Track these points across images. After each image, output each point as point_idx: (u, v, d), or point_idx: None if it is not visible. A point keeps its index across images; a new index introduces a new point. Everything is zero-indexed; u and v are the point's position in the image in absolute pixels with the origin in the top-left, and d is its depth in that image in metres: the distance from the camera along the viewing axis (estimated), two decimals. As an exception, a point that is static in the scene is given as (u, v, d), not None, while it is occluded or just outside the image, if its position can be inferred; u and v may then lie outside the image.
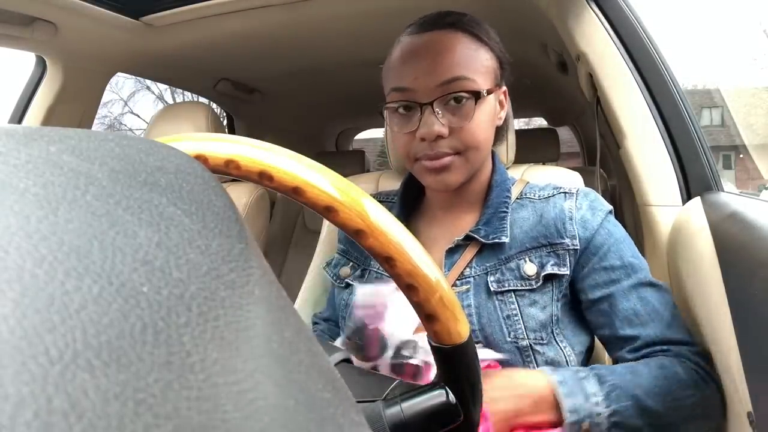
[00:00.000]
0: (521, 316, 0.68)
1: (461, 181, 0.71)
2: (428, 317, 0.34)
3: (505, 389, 0.60)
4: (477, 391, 0.38)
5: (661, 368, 0.62)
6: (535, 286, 0.68)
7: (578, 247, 0.69)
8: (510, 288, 0.69)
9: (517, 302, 0.69)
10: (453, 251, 0.74)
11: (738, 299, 0.67)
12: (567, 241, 0.69)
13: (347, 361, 0.46)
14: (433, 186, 0.73)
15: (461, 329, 0.35)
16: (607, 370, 0.64)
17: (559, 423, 0.60)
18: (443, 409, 0.36)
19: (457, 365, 0.36)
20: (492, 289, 0.70)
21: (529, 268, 0.69)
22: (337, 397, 0.16)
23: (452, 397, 0.36)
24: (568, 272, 0.68)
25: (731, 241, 0.73)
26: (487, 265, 0.71)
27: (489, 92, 0.70)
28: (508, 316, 0.68)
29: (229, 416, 0.12)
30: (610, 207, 0.73)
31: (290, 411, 0.13)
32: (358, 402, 0.38)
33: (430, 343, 0.36)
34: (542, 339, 0.68)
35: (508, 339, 0.68)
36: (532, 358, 0.68)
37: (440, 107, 0.68)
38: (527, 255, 0.70)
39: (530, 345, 0.67)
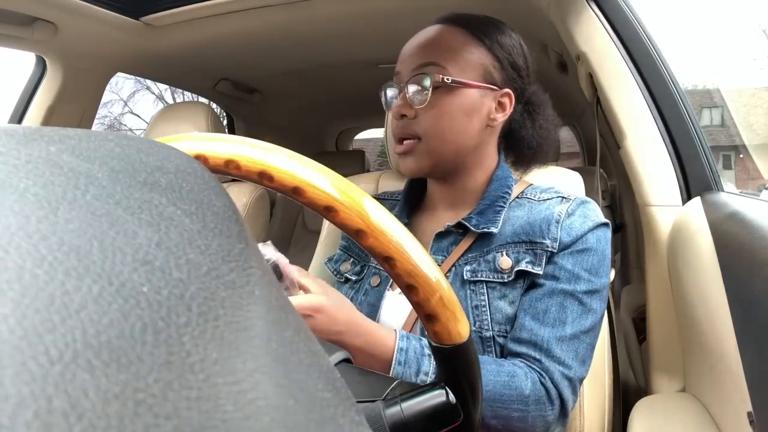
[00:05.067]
0: (489, 308, 0.69)
1: (422, 169, 0.73)
2: (428, 317, 0.34)
3: (354, 328, 0.60)
4: (477, 391, 0.38)
5: (510, 376, 0.62)
6: (506, 280, 0.69)
7: (556, 251, 0.68)
8: (482, 279, 0.70)
9: (488, 293, 0.69)
10: (442, 236, 0.75)
11: (738, 299, 0.67)
12: (547, 242, 0.68)
13: (347, 361, 0.46)
14: (400, 170, 0.77)
15: (461, 329, 0.35)
16: None
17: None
18: (443, 409, 0.36)
19: (457, 365, 0.36)
20: (465, 278, 0.70)
21: (504, 261, 0.69)
22: (337, 397, 0.16)
23: (452, 397, 0.36)
24: (541, 272, 0.68)
25: (731, 241, 0.73)
26: (470, 256, 0.72)
27: (464, 85, 0.70)
28: (476, 306, 0.69)
29: (229, 416, 0.12)
30: (607, 221, 0.72)
31: (290, 411, 0.13)
32: (358, 402, 0.38)
33: (430, 343, 0.36)
34: (506, 332, 0.68)
35: (473, 328, 0.68)
36: (493, 349, 0.68)
37: (411, 89, 0.71)
38: (505, 249, 0.70)
39: (493, 336, 0.68)
